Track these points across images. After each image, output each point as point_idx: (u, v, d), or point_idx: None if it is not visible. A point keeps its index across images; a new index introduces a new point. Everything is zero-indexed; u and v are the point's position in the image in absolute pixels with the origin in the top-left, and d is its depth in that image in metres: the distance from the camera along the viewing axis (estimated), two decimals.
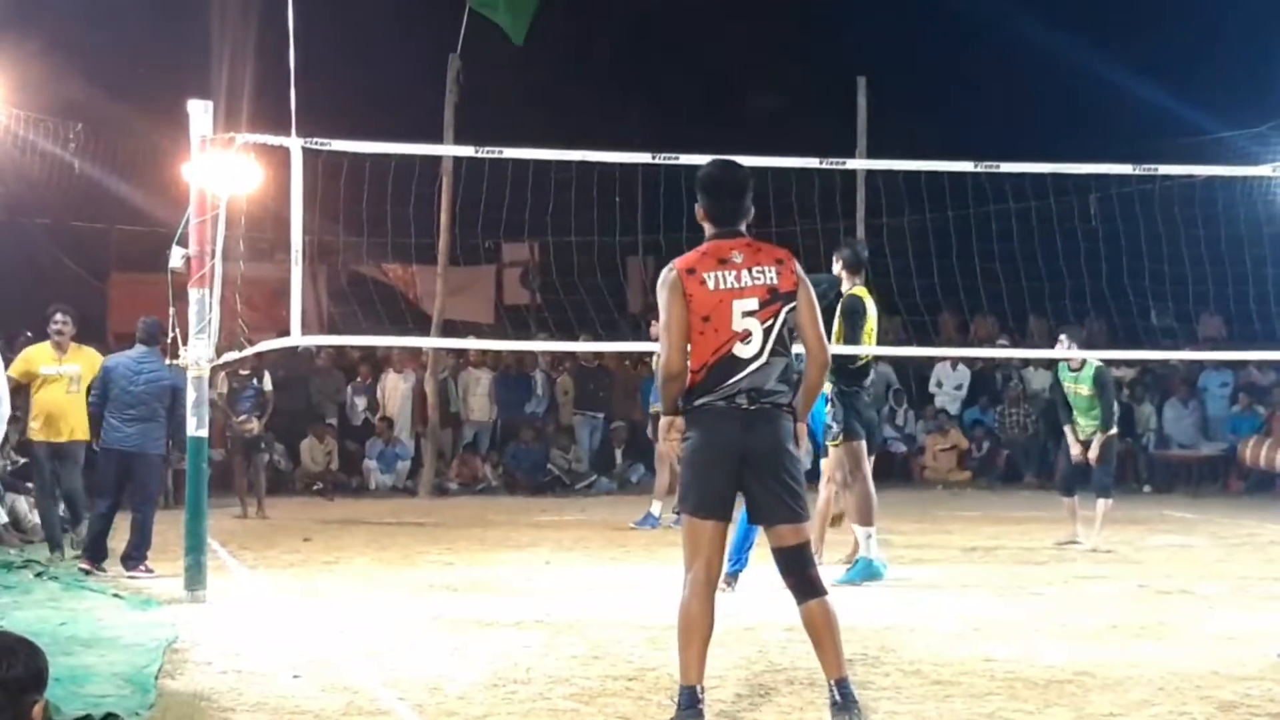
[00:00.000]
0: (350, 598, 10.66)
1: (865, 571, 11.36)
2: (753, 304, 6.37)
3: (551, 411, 23.30)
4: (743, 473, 6.40)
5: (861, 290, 11.55)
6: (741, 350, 6.37)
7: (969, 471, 22.87)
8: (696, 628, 6.41)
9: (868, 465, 11.63)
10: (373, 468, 21.28)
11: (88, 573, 11.82)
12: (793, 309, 6.46)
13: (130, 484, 12.24)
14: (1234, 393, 23.04)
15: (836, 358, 11.06)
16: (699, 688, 6.39)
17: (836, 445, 11.53)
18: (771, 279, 6.42)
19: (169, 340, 10.72)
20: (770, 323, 6.39)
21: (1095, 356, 14.01)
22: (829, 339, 7.55)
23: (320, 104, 11.14)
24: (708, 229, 6.63)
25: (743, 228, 6.61)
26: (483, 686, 7.41)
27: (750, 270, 6.41)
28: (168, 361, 11.36)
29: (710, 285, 6.37)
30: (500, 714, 6.87)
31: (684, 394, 6.46)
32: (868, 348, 11.54)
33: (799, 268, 6.57)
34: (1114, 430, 14.21)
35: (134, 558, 12.08)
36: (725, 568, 10.64)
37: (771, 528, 6.48)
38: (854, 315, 11.39)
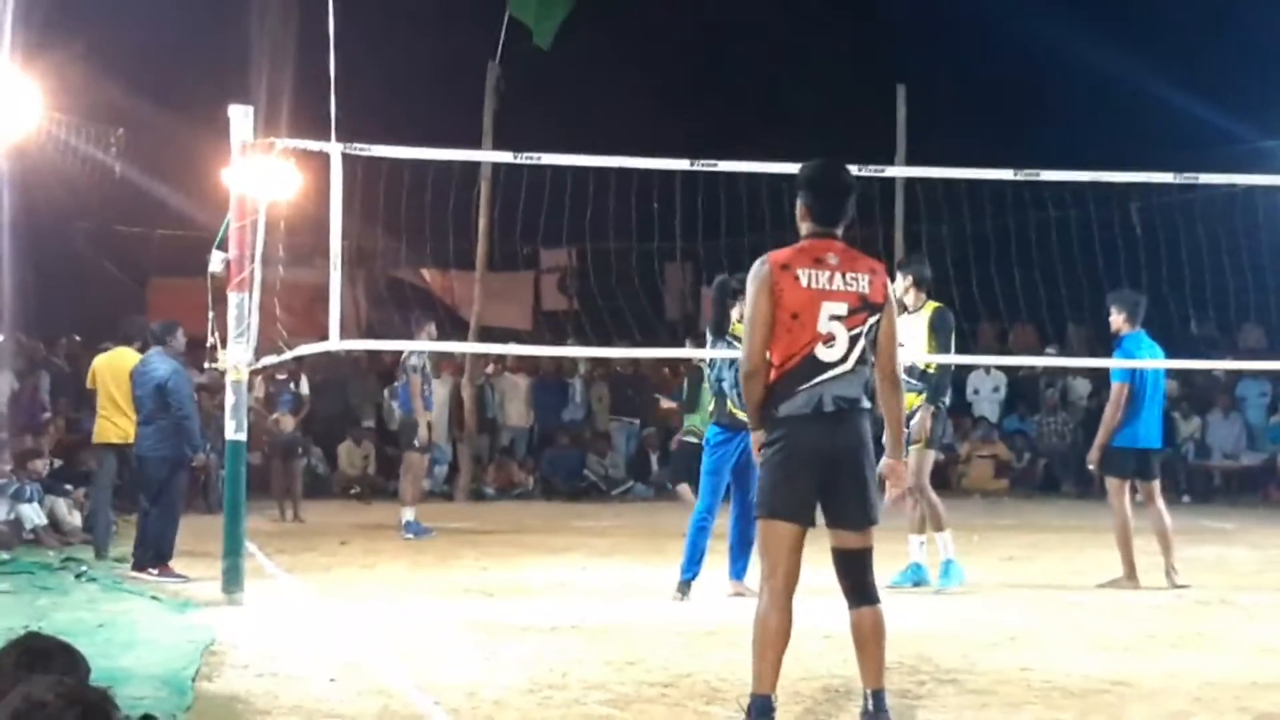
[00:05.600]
0: (386, 601, 10.68)
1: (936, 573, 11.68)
2: (841, 309, 6.29)
3: (588, 417, 23.35)
4: (824, 476, 6.32)
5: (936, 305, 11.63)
6: (823, 353, 6.28)
7: (1006, 481, 22.75)
8: (774, 636, 6.28)
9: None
10: None
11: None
12: (879, 320, 6.39)
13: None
14: (1273, 402, 22.91)
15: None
16: (773, 697, 6.32)
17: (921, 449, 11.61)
18: (863, 288, 6.34)
19: (209, 345, 10.75)
20: (857, 331, 6.32)
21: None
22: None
23: (360, 109, 11.16)
24: (805, 228, 6.52)
25: (839, 231, 6.52)
26: (518, 691, 7.41)
27: (844, 275, 6.33)
28: (205, 365, 11.39)
29: (804, 283, 6.28)
30: (535, 719, 6.88)
31: (767, 397, 6.38)
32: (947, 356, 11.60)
33: (889, 283, 6.52)
34: None
35: (137, 559, 12.04)
36: (680, 575, 10.84)
37: (836, 529, 6.39)
38: (947, 328, 11.47)
